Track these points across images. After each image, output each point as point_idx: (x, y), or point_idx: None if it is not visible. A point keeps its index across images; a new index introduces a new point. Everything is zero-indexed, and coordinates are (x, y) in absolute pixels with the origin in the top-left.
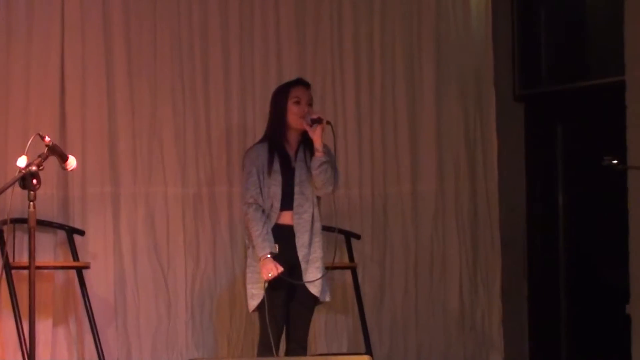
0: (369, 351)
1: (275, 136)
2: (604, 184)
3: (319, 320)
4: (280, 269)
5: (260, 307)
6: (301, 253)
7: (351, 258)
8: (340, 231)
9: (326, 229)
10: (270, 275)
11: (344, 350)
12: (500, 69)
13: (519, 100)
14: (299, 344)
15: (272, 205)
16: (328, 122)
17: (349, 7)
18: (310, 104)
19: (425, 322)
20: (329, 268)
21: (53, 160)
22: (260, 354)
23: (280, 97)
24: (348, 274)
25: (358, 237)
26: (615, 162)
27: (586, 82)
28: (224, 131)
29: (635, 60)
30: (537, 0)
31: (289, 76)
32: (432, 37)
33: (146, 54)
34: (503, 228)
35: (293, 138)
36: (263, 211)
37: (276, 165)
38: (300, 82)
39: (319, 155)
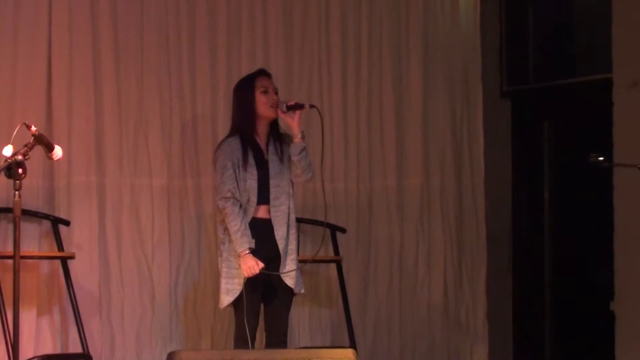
0: (352, 345)
1: (246, 129)
2: (589, 180)
3: (303, 314)
4: (261, 265)
5: (236, 302)
6: (280, 245)
7: (336, 251)
8: (326, 225)
9: (313, 222)
10: (252, 272)
11: (328, 344)
12: (488, 65)
13: (506, 96)
14: (279, 338)
15: (248, 200)
16: (313, 106)
17: (336, 3)
18: (276, 93)
19: (409, 317)
20: (307, 261)
21: (39, 150)
22: (237, 348)
23: (246, 89)
24: (333, 267)
25: (344, 230)
26: (601, 159)
27: (573, 79)
28: (210, 124)
29: (622, 57)
30: None
31: (276, 70)
32: (420, 32)
33: (133, 45)
34: (489, 223)
35: (262, 129)
36: (240, 205)
37: (251, 159)
38: (263, 73)
39: (298, 141)
